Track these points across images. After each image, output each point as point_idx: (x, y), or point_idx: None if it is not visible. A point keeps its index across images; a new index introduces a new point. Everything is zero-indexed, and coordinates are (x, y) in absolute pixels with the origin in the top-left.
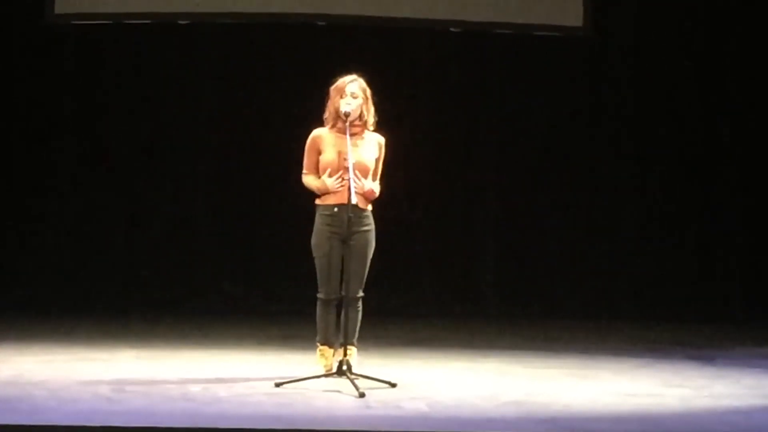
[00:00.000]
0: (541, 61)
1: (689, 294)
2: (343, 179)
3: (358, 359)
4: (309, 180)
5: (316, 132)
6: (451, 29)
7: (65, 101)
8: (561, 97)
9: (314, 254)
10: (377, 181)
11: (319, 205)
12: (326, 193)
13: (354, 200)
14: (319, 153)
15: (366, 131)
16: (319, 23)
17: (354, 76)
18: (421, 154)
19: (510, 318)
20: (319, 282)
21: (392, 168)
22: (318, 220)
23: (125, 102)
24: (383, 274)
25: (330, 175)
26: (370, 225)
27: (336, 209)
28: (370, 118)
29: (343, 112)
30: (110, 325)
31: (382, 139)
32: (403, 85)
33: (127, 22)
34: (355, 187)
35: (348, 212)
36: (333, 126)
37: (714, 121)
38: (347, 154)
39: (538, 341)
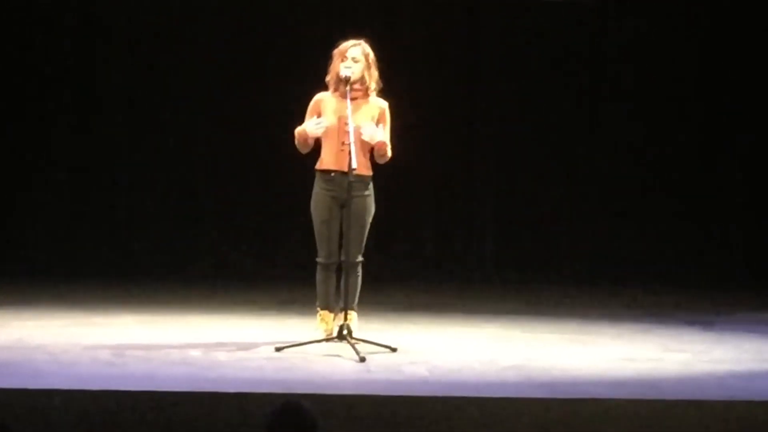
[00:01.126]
0: (547, 29)
1: (689, 259)
2: (343, 143)
3: (359, 324)
4: (296, 131)
5: (319, 95)
6: None
7: (61, 61)
8: (565, 65)
9: (313, 219)
10: (387, 145)
11: (317, 170)
12: (306, 139)
13: (354, 165)
14: (319, 116)
15: (369, 97)
16: None
17: (358, 41)
18: (422, 122)
19: (509, 283)
20: (318, 246)
21: (393, 136)
22: (316, 184)
23: (123, 66)
24: (383, 240)
25: (330, 139)
26: (370, 191)
27: (333, 174)
28: (372, 83)
29: (343, 75)
30: (109, 290)
31: (384, 104)
32: (406, 53)
33: None
34: (369, 136)
35: (349, 177)
36: (335, 90)
37: (719, 88)
38: (347, 118)
39: (537, 306)
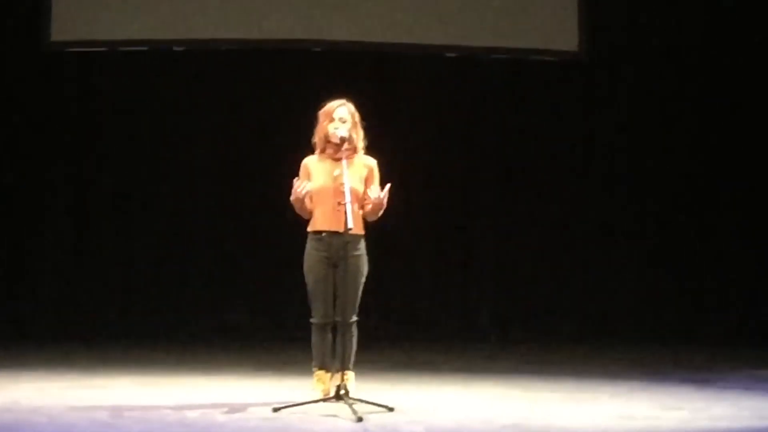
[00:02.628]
0: (537, 85)
1: (686, 317)
2: (339, 204)
3: (356, 383)
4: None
5: (306, 160)
6: (447, 54)
7: (62, 127)
8: (557, 121)
9: (306, 280)
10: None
11: (309, 231)
12: (301, 204)
13: (351, 224)
14: (309, 180)
15: (356, 155)
16: (315, 49)
17: (342, 101)
18: (417, 180)
19: (506, 342)
20: (312, 307)
21: (388, 193)
22: (308, 245)
23: (122, 128)
24: (379, 298)
25: (322, 200)
26: (361, 249)
27: (324, 234)
28: (360, 142)
29: (339, 137)
30: (106, 351)
31: (373, 162)
32: (399, 111)
33: (123, 48)
34: (373, 201)
35: (345, 236)
36: (322, 151)
37: (710, 144)
38: (344, 178)
39: (534, 364)
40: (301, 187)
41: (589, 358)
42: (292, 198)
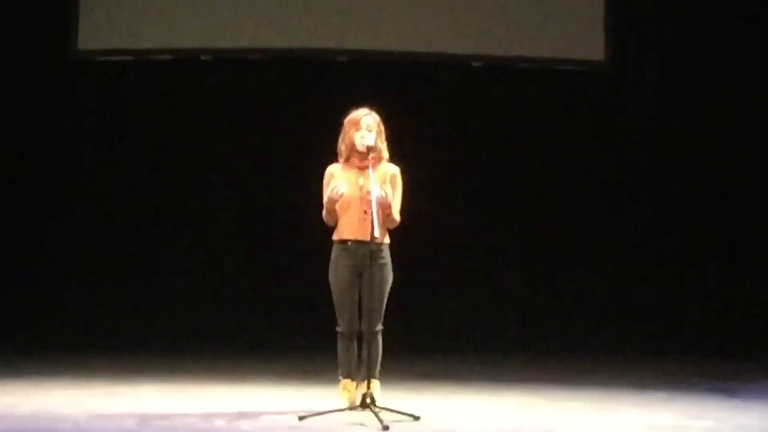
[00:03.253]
0: (563, 94)
1: (712, 326)
2: (365, 212)
3: (381, 392)
4: (324, 209)
5: (330, 168)
6: (473, 63)
7: (88, 136)
8: (583, 130)
9: (332, 289)
10: (397, 210)
11: (335, 240)
12: (333, 207)
13: (377, 233)
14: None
15: (380, 164)
16: (340, 58)
17: (368, 110)
18: (444, 188)
19: (533, 351)
20: (337, 316)
21: (415, 201)
22: (334, 254)
23: (148, 138)
24: (405, 308)
25: (348, 209)
26: (386, 258)
27: (350, 243)
28: (385, 151)
29: (366, 145)
30: (133, 360)
31: (396, 170)
32: (425, 120)
33: (150, 57)
34: (379, 198)
35: (371, 245)
36: (347, 160)
37: (737, 153)
38: (370, 187)
39: (560, 374)
40: (337, 189)
41: (615, 369)
42: (325, 200)
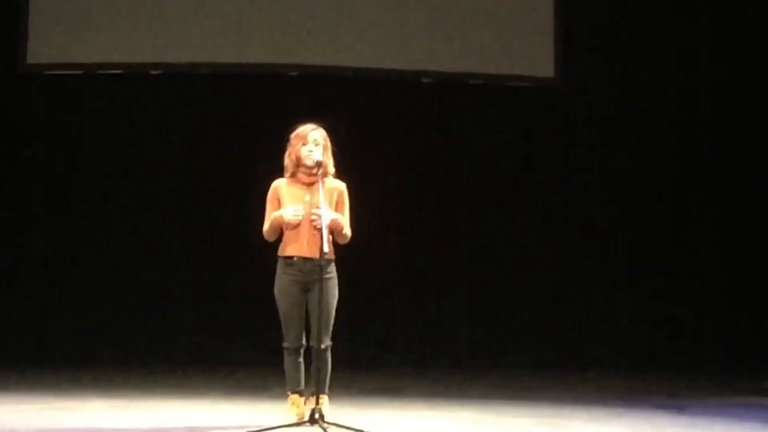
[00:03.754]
0: (513, 111)
1: (660, 343)
2: (315, 229)
3: (330, 408)
4: (267, 224)
5: (276, 183)
6: (423, 80)
7: (36, 151)
8: (533, 146)
9: (278, 304)
10: (347, 225)
11: (280, 256)
12: (280, 226)
13: (326, 249)
14: (279, 203)
15: (325, 179)
16: (291, 73)
17: (314, 125)
18: (391, 204)
19: (482, 368)
20: (284, 331)
21: (362, 217)
22: (279, 269)
23: (96, 152)
24: (354, 324)
25: (294, 226)
26: (332, 273)
27: (295, 259)
28: (331, 167)
29: (315, 160)
30: (80, 375)
31: (343, 186)
32: (374, 135)
33: (99, 72)
34: (327, 223)
35: (321, 261)
36: (292, 175)
37: (691, 166)
38: (319, 202)
39: (510, 391)
40: (297, 212)
41: (564, 385)
42: (278, 216)
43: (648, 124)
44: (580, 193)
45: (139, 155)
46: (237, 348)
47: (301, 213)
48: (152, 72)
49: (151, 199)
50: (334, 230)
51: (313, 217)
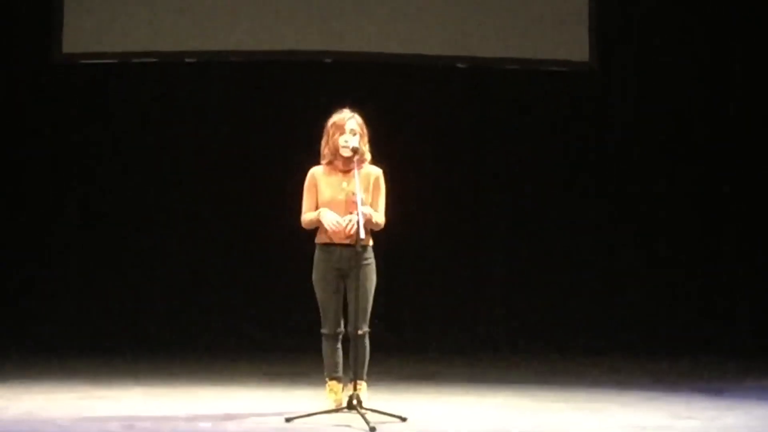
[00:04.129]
0: (548, 96)
1: (697, 326)
2: (351, 214)
3: (368, 394)
4: (307, 216)
5: (313, 171)
6: (458, 65)
7: (72, 139)
8: (568, 131)
9: (316, 291)
10: (381, 212)
11: (318, 243)
12: (318, 224)
13: (363, 235)
14: (316, 190)
15: (362, 166)
16: (326, 60)
17: (351, 113)
18: (428, 190)
19: (518, 352)
20: (322, 318)
21: (399, 204)
22: (318, 256)
23: (132, 141)
24: (391, 309)
25: (332, 211)
26: (370, 259)
27: (332, 246)
28: (367, 153)
29: (351, 147)
30: (118, 363)
31: (379, 172)
32: (410, 122)
33: (134, 60)
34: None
35: (357, 247)
36: (330, 163)
37: (720, 153)
38: (355, 189)
39: (546, 375)
40: (338, 223)
41: (600, 369)
42: (315, 217)
43: (682, 109)
44: (616, 177)
45: (174, 144)
46: (275, 334)
47: (341, 225)
48: (187, 60)
49: (187, 186)
50: (366, 223)
51: (349, 223)
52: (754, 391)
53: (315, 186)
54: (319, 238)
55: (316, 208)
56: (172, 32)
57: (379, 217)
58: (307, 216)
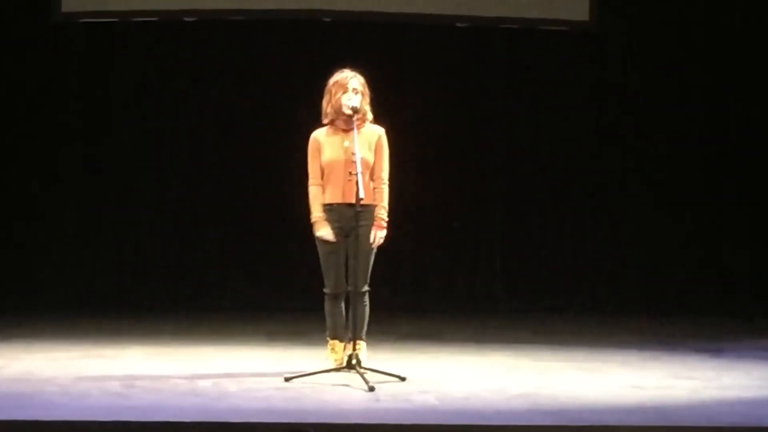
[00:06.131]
0: (548, 55)
1: (696, 286)
2: (350, 173)
3: (368, 353)
4: (312, 195)
5: (314, 134)
6: (458, 24)
7: (72, 100)
8: (567, 91)
9: (318, 250)
10: (386, 173)
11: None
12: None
13: (362, 195)
14: (320, 153)
15: (363, 125)
16: (325, 19)
17: (353, 72)
18: (426, 150)
19: (518, 312)
20: (324, 277)
21: (398, 163)
22: None
23: (132, 100)
24: (390, 269)
25: (333, 172)
26: (371, 219)
27: (333, 205)
28: (369, 113)
29: (351, 106)
30: (118, 322)
31: (381, 131)
32: (408, 81)
33: (133, 19)
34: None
35: (357, 207)
36: (332, 122)
37: (720, 114)
38: (355, 148)
39: (545, 335)
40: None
41: (600, 329)
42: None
43: (685, 68)
44: (616, 138)
45: (173, 103)
46: (276, 294)
47: (332, 239)
48: (186, 19)
49: (188, 146)
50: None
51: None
52: (753, 351)
53: (318, 150)
54: (322, 198)
55: (321, 172)
56: None
57: (385, 179)
58: (312, 195)
